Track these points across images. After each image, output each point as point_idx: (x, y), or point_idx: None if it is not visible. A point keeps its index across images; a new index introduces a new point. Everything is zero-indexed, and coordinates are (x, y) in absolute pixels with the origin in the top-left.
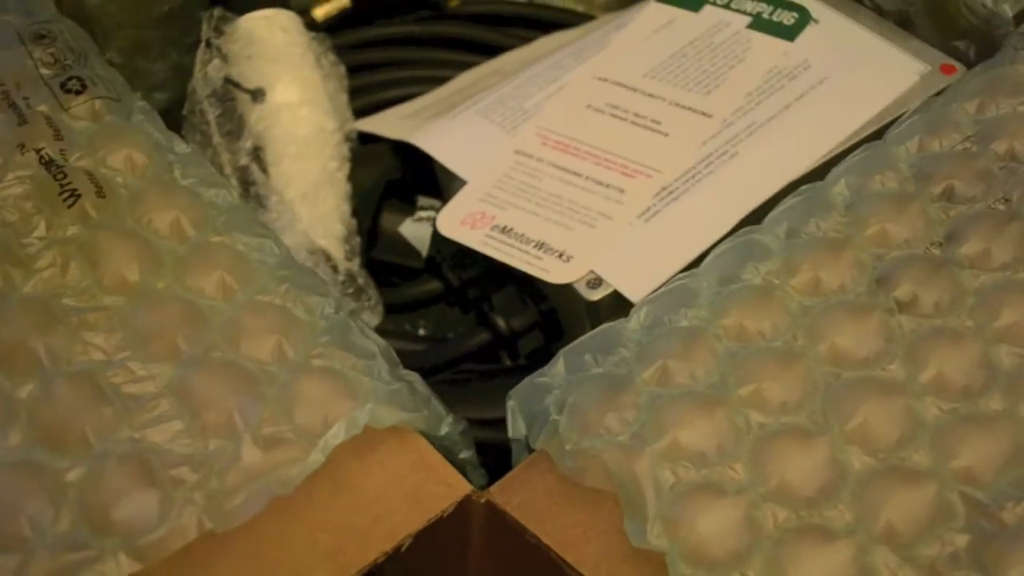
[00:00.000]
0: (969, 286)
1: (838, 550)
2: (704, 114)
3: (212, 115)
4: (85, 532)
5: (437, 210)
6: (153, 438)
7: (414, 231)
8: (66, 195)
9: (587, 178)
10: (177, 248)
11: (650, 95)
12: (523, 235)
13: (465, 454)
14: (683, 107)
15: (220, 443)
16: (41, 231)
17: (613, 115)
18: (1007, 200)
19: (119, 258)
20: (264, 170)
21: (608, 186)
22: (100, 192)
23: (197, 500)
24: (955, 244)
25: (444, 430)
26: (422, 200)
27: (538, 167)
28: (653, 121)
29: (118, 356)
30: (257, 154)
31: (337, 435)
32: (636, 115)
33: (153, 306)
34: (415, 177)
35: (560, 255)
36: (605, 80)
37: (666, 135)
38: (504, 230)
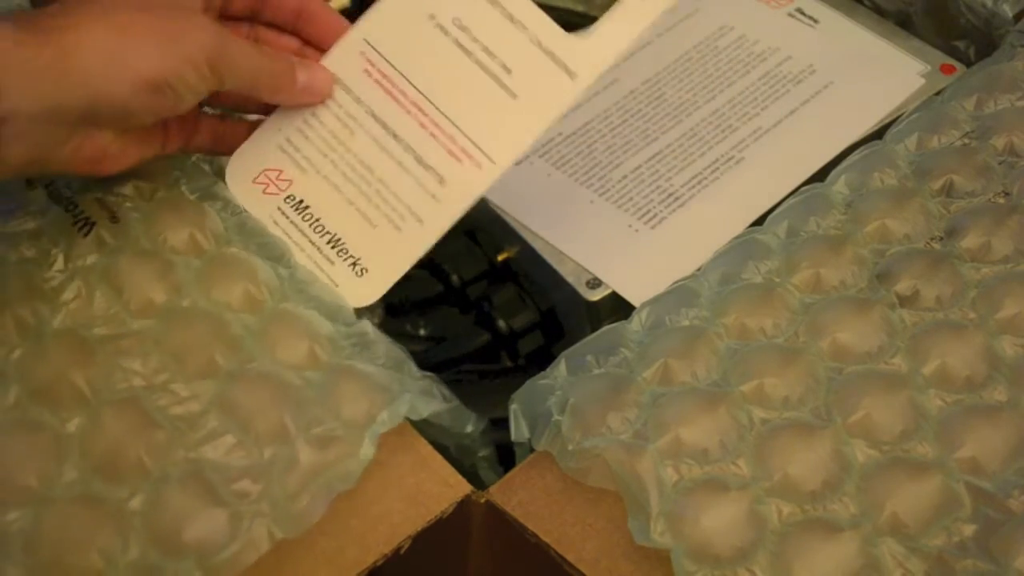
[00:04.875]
0: (970, 279)
1: (844, 543)
2: (568, 71)
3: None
4: (156, 557)
5: None
6: (209, 455)
7: None
8: (80, 224)
9: (406, 147)
10: (195, 263)
11: (511, 19)
12: (319, 220)
13: (484, 452)
14: (544, 50)
15: (275, 450)
16: (60, 264)
17: (457, 42)
18: (1007, 193)
19: (142, 281)
20: None
21: (428, 168)
22: (113, 217)
23: (264, 510)
24: (956, 238)
25: (469, 427)
26: None
27: (354, 112)
28: (503, 67)
29: (158, 379)
30: None
31: (383, 424)
32: (486, 50)
33: (183, 325)
34: None
35: (354, 264)
36: None
37: (514, 96)
38: (299, 206)
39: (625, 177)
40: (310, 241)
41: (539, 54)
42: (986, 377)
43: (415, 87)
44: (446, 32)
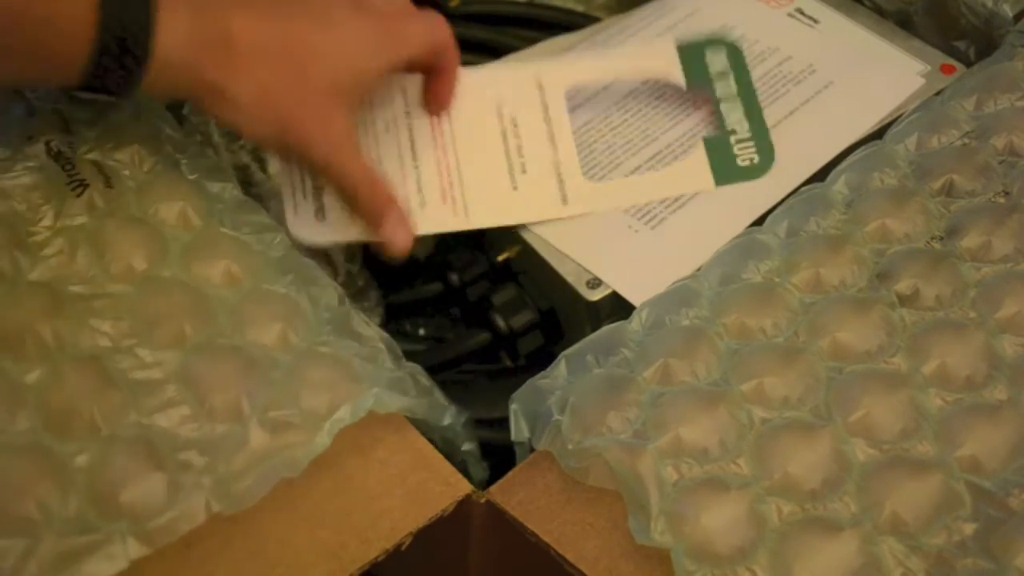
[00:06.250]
0: (970, 278)
1: (844, 541)
2: (564, 198)
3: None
4: (93, 516)
5: None
6: (161, 423)
7: (416, 242)
8: (74, 184)
9: (416, 167)
10: (183, 236)
11: (552, 139)
12: None
13: (468, 447)
14: (558, 174)
15: (228, 427)
16: (49, 220)
17: (503, 131)
18: (1007, 193)
19: (126, 246)
20: (264, 170)
21: (420, 190)
22: (108, 183)
23: (205, 483)
24: (956, 237)
25: (447, 420)
26: None
27: (400, 121)
28: (522, 166)
29: (125, 343)
30: (257, 154)
31: (342, 418)
32: (519, 148)
33: (159, 294)
34: None
35: (319, 209)
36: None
37: (515, 188)
38: None
39: (625, 177)
40: (300, 178)
41: (553, 174)
42: (986, 376)
43: (453, 133)
44: (501, 119)
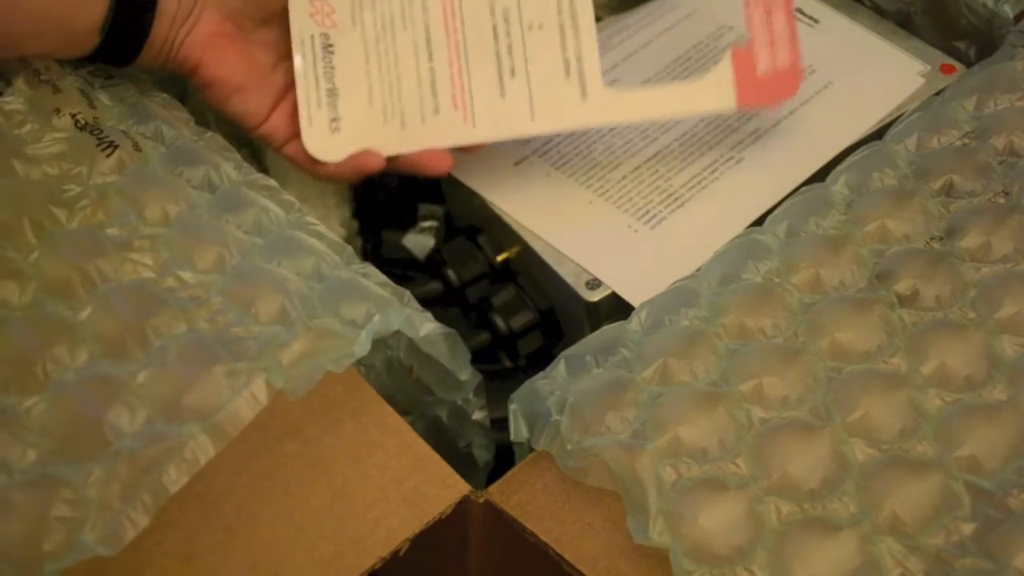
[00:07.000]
0: (970, 279)
1: (842, 541)
2: (581, 95)
3: (212, 114)
4: (162, 424)
5: (438, 219)
6: (210, 328)
7: (416, 241)
8: (104, 146)
9: (431, 68)
10: (209, 197)
11: (573, 35)
12: (333, 68)
13: (479, 415)
14: (570, 75)
15: (275, 329)
16: (82, 178)
17: (507, 31)
18: (1007, 193)
19: (158, 197)
20: (264, 170)
21: (434, 94)
22: (136, 146)
23: (260, 370)
24: (955, 238)
25: (465, 375)
26: (423, 208)
27: (417, 16)
28: (526, 67)
29: (168, 271)
30: (257, 154)
31: (379, 325)
32: (524, 49)
33: (194, 232)
34: (415, 181)
35: (333, 120)
36: None
37: (529, 96)
38: (327, 47)
39: (625, 177)
40: (316, 78)
41: (568, 76)
42: (986, 376)
43: (464, 34)
44: (507, 22)
